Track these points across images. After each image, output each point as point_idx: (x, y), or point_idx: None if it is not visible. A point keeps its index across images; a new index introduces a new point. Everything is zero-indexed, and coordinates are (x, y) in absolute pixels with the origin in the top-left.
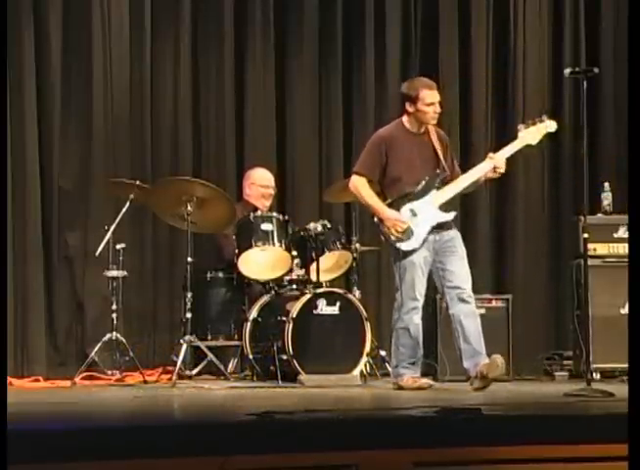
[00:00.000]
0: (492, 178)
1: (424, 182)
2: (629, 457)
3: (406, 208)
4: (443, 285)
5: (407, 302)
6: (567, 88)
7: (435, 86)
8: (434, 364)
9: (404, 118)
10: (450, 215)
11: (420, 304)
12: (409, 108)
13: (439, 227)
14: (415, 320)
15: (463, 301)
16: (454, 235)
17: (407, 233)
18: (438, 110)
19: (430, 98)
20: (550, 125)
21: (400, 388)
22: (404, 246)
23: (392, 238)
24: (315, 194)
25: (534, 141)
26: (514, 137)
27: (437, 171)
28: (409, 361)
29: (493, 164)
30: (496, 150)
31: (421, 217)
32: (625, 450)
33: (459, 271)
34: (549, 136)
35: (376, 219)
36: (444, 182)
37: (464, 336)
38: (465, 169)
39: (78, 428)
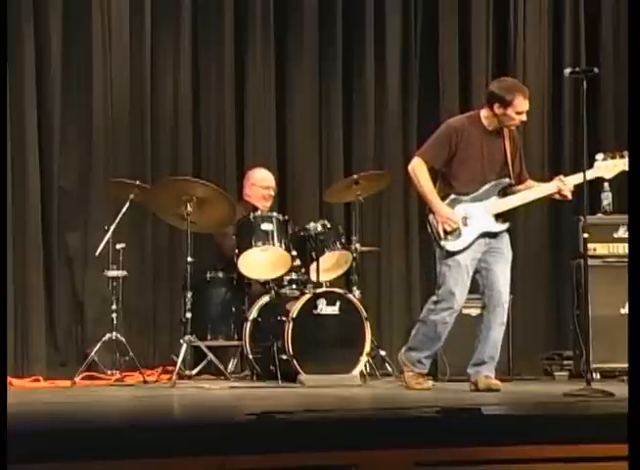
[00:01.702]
0: (555, 199)
1: (487, 186)
2: (629, 457)
3: (461, 207)
4: (485, 285)
5: (445, 300)
6: (567, 88)
7: (528, 94)
8: (434, 364)
9: (483, 114)
10: (502, 227)
11: (457, 306)
12: (497, 109)
13: (488, 236)
14: (447, 319)
15: (501, 307)
16: (504, 237)
17: (455, 233)
18: (525, 119)
19: (522, 107)
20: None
21: (402, 372)
22: (449, 245)
23: (438, 234)
24: (315, 194)
25: (608, 175)
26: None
27: (504, 179)
28: (425, 354)
29: (560, 187)
30: None
31: (473, 221)
32: (625, 450)
33: (501, 274)
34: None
35: (427, 210)
36: (507, 191)
37: (484, 343)
38: None
39: (78, 428)
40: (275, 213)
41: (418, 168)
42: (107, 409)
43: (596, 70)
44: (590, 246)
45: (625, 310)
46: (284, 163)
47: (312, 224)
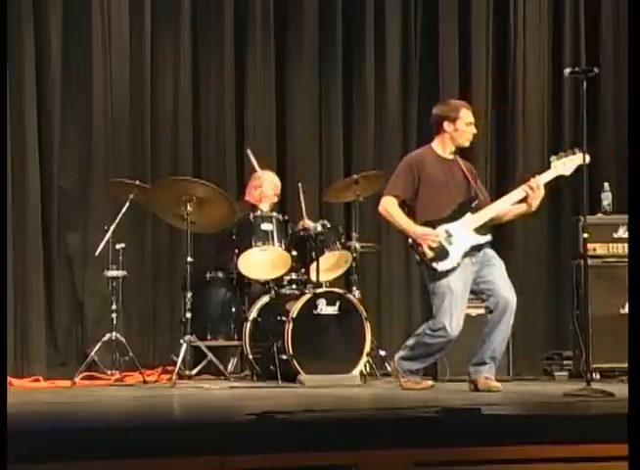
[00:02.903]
0: (527, 213)
1: (458, 205)
2: (629, 457)
3: (441, 228)
4: (489, 295)
5: (441, 329)
6: (567, 88)
7: (470, 107)
8: (434, 364)
9: (434, 143)
10: (485, 238)
11: (452, 334)
12: (447, 127)
13: (474, 249)
14: (443, 344)
15: (509, 310)
16: (488, 251)
17: (442, 253)
18: (475, 131)
19: (469, 117)
20: (583, 157)
21: (398, 380)
22: (441, 266)
23: (428, 257)
24: (315, 194)
25: (567, 172)
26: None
27: (471, 196)
28: (418, 367)
29: (527, 191)
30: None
31: (456, 238)
32: (625, 450)
33: (500, 279)
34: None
35: (410, 241)
36: (477, 208)
37: (488, 344)
38: None
39: (78, 428)
40: (275, 213)
41: (388, 205)
42: (107, 409)
43: (596, 70)
44: (590, 246)
45: (625, 310)
46: (284, 163)
47: (312, 224)
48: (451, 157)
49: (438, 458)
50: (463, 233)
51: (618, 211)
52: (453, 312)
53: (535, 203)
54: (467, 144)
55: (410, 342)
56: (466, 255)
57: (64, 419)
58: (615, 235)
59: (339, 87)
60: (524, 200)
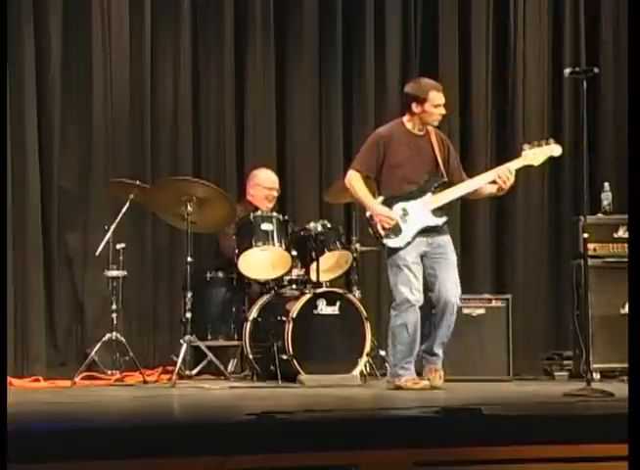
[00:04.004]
0: (497, 195)
1: (420, 183)
2: (629, 457)
3: (399, 206)
4: (433, 290)
5: (403, 300)
6: (567, 88)
7: (441, 88)
8: None
9: (405, 118)
10: (441, 220)
11: (416, 300)
12: (415, 108)
13: (432, 231)
14: (412, 317)
15: (449, 313)
16: (446, 241)
17: (395, 230)
18: (444, 112)
19: (438, 100)
20: (555, 149)
21: (398, 388)
22: (390, 242)
23: (380, 233)
24: (315, 194)
25: (536, 162)
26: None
27: (436, 175)
28: (407, 360)
29: (499, 173)
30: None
31: (411, 217)
32: (625, 450)
33: (448, 280)
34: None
35: (367, 215)
36: (441, 187)
37: (432, 339)
38: (465, 169)
39: (78, 428)
40: (275, 213)
41: (352, 178)
42: (107, 409)
43: (596, 70)
44: (590, 246)
45: (625, 310)
46: (284, 163)
47: (312, 224)
48: (421, 133)
49: (438, 458)
50: (419, 213)
51: (618, 211)
52: (412, 282)
53: (505, 187)
54: (436, 124)
55: (389, 347)
56: (418, 234)
57: (64, 419)
58: (615, 235)
59: (339, 87)
60: (493, 182)
